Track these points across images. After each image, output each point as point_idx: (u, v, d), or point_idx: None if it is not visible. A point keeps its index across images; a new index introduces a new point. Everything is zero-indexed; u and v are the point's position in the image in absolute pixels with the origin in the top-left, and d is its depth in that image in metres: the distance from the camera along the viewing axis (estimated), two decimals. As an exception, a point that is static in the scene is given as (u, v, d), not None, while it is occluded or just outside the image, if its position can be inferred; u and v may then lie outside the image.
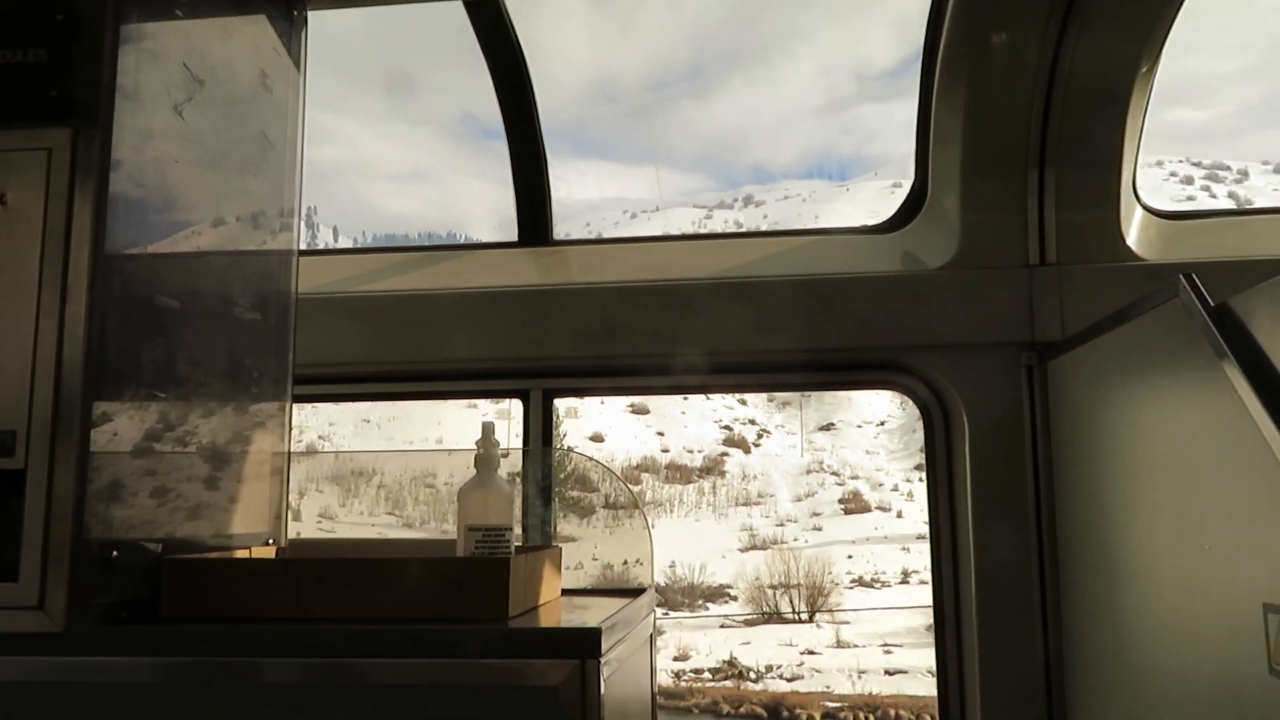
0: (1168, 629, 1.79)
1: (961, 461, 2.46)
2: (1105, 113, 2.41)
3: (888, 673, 23.23)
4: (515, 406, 2.75)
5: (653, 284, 2.63)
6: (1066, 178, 2.46)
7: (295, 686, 1.37)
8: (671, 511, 39.83)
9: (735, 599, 30.51)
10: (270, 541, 1.87)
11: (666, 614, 29.03)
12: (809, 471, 42.84)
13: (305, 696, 1.37)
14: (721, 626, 28.33)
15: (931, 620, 2.57)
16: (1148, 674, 1.87)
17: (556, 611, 1.69)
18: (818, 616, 28.34)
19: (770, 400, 48.04)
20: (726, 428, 46.97)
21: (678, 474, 42.77)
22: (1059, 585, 2.33)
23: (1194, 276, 1.66)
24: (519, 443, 2.71)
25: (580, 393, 2.88)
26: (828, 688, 23.34)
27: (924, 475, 2.64)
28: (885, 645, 25.11)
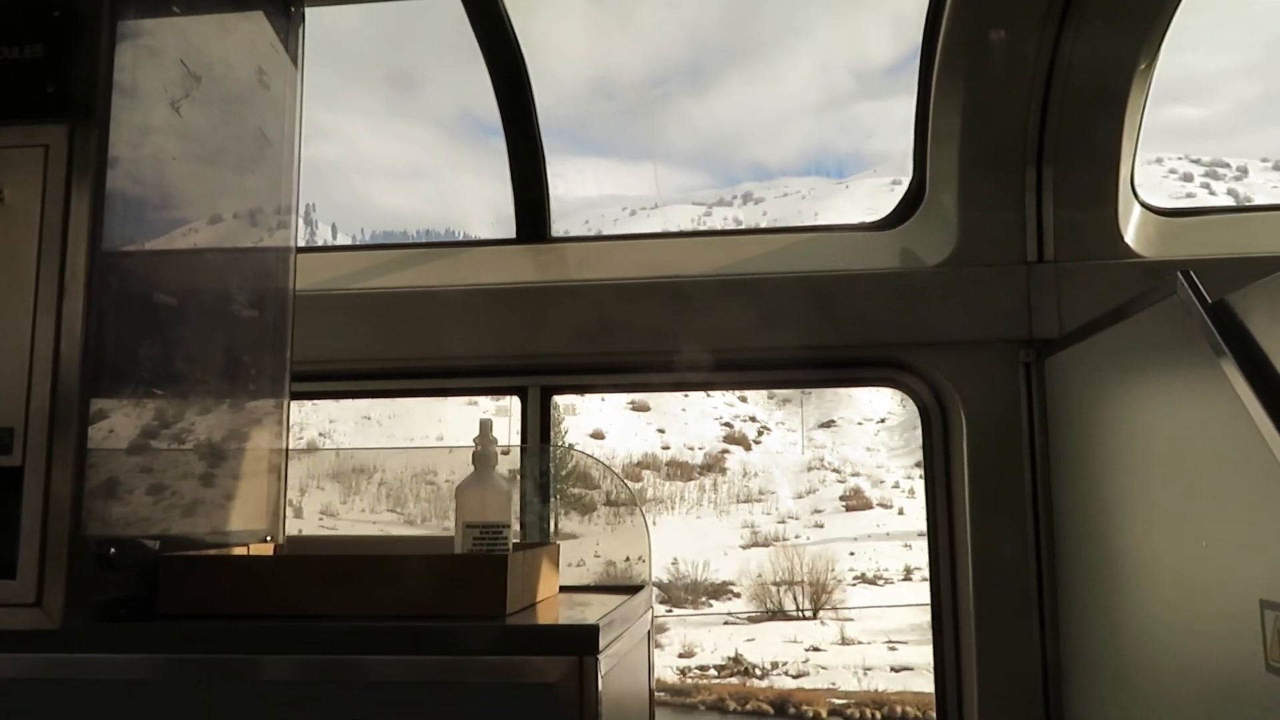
0: (1165, 625, 1.79)
1: (959, 458, 2.47)
2: (1103, 110, 2.41)
3: (893, 670, 23.27)
4: (516, 404, 2.75)
5: (651, 281, 2.63)
6: (1065, 175, 2.46)
7: (293, 684, 1.37)
8: (673, 508, 39.86)
9: (738, 596, 30.54)
10: (268, 539, 1.87)
11: (670, 611, 29.07)
12: (810, 469, 42.89)
13: (303, 694, 1.37)
14: (725, 623, 28.35)
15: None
16: (1145, 670, 1.87)
17: (554, 608, 1.69)
18: (821, 613, 28.38)
19: (770, 397, 48.07)
20: (727, 425, 47.00)
21: (679, 471, 42.81)
22: (1056, 581, 2.34)
23: (1191, 274, 1.66)
24: (520, 440, 2.71)
25: (578, 390, 2.88)
26: (833, 684, 23.38)
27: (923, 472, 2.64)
28: (890, 642, 25.15)
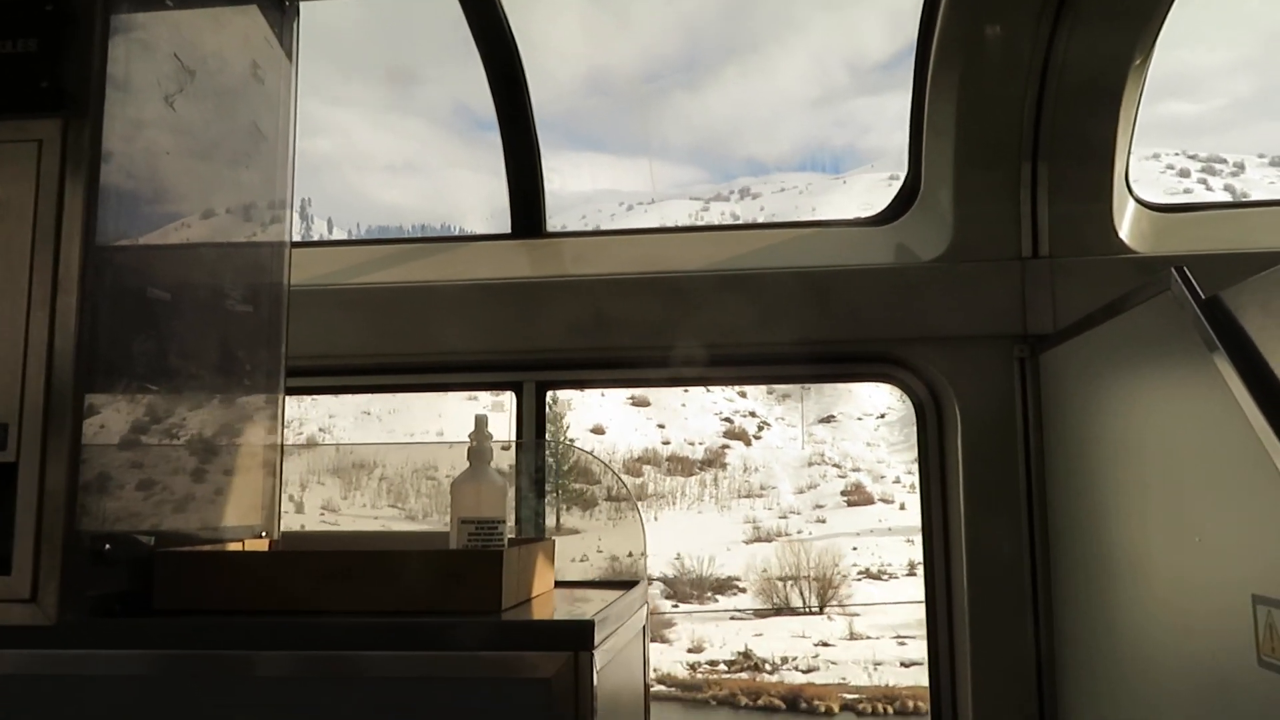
0: (1158, 620, 1.80)
1: (954, 453, 2.47)
2: (1098, 106, 2.41)
3: (903, 665, 23.30)
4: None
5: (646, 276, 2.63)
6: (1059, 171, 2.46)
7: (288, 679, 1.37)
8: (674, 504, 39.89)
9: (744, 591, 30.57)
10: (263, 534, 1.87)
11: (676, 606, 29.10)
12: (810, 464, 42.90)
13: (298, 689, 1.37)
14: (731, 618, 28.39)
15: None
16: (1138, 664, 1.88)
17: (549, 604, 1.69)
18: (828, 609, 28.44)
19: (770, 393, 48.07)
20: (727, 420, 47.00)
21: (679, 466, 42.82)
22: (1050, 576, 2.35)
23: (1185, 270, 1.67)
24: (516, 435, 2.71)
25: (573, 385, 2.88)
26: (844, 679, 23.39)
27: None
28: (899, 637, 25.17)
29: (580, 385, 2.91)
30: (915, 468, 2.66)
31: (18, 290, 1.39)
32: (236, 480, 1.79)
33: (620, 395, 46.25)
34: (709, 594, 30.42)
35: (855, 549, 32.91)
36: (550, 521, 2.56)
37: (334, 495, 2.64)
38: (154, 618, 1.46)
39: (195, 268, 1.71)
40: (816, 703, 21.54)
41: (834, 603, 28.69)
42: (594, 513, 2.47)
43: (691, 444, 44.73)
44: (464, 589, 1.46)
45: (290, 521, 2.33)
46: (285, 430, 1.96)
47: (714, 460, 43.36)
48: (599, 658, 1.38)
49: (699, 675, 23.81)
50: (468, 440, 1.73)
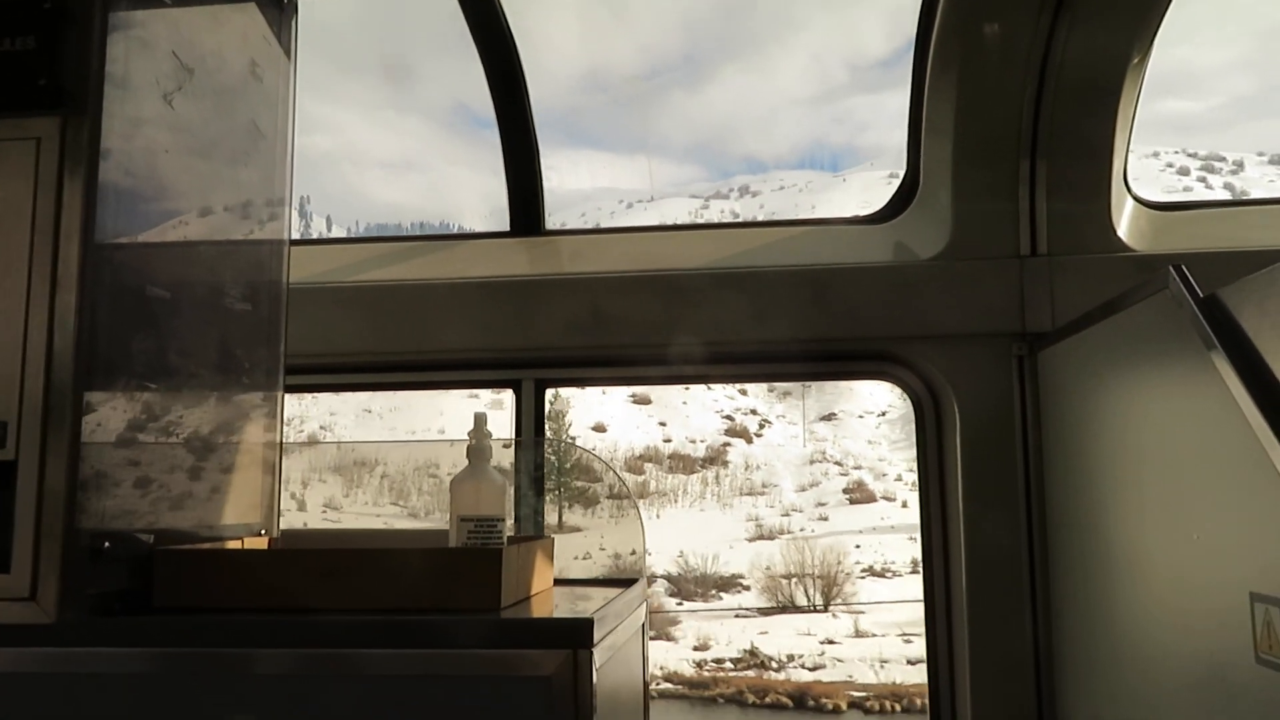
0: (1156, 617, 1.81)
1: (952, 451, 2.47)
2: (1096, 104, 2.41)
3: (910, 662, 23.32)
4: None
5: (645, 274, 2.63)
6: (1058, 168, 2.47)
7: (287, 677, 1.37)
8: (676, 501, 39.90)
9: (747, 589, 30.59)
10: (263, 532, 1.87)
11: (681, 604, 29.12)
12: (812, 461, 42.91)
13: (297, 687, 1.37)
14: (736, 616, 28.41)
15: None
16: (1136, 661, 1.89)
17: (549, 601, 1.69)
18: (832, 606, 28.46)
19: (771, 390, 48.08)
20: (728, 418, 47.00)
21: (680, 464, 42.83)
22: (1048, 574, 2.35)
23: (1183, 268, 1.67)
24: (515, 433, 2.71)
25: (572, 383, 2.88)
26: (850, 677, 23.39)
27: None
28: (904, 634, 25.18)
29: (579, 383, 2.91)
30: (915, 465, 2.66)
31: (16, 289, 1.39)
32: (236, 478, 1.79)
33: (621, 393, 46.24)
34: (713, 591, 30.46)
35: (858, 546, 32.93)
36: (552, 519, 2.57)
37: (336, 493, 2.64)
38: (153, 616, 1.46)
39: (194, 266, 1.71)
40: (824, 700, 21.54)
41: (838, 600, 28.72)
42: (596, 510, 2.48)
43: (693, 442, 44.73)
44: (463, 587, 1.46)
45: (293, 519, 2.34)
46: (286, 428, 1.97)
47: (715, 458, 43.38)
48: (598, 655, 1.38)
49: (705, 673, 23.82)
50: (467, 438, 1.73)
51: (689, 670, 23.94)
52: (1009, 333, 2.46)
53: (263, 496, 1.88)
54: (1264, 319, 1.50)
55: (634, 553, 2.22)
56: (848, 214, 3.48)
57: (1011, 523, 2.39)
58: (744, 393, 48.24)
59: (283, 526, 1.96)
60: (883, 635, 25.40)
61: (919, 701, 20.28)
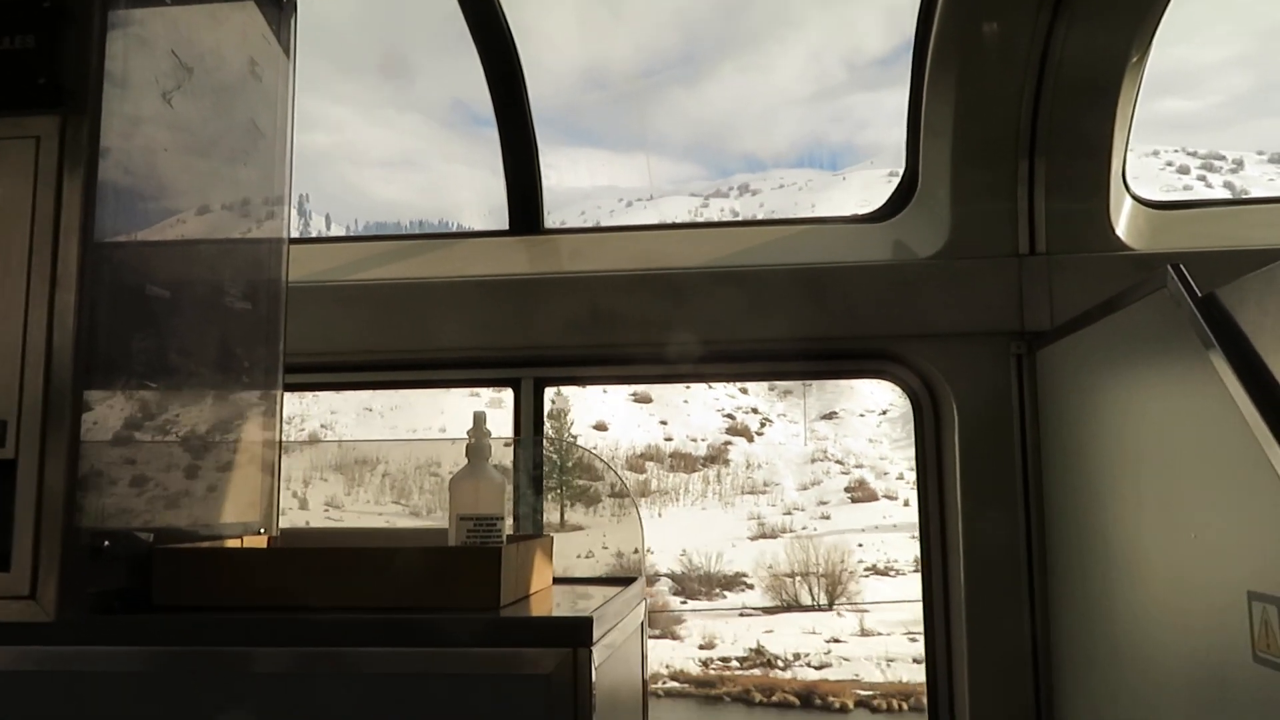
0: (1154, 616, 1.81)
1: (951, 450, 2.48)
2: (1095, 103, 2.42)
3: (916, 661, 23.31)
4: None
5: (644, 273, 2.64)
6: (1056, 167, 2.47)
7: (286, 676, 1.38)
8: (678, 500, 39.90)
9: (751, 587, 30.59)
10: (262, 531, 1.87)
11: (684, 602, 29.13)
12: (813, 460, 42.89)
13: (296, 685, 1.37)
14: (740, 615, 28.41)
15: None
16: (1134, 660, 1.89)
17: (548, 600, 1.70)
18: (837, 605, 28.46)
19: (771, 389, 48.06)
20: (729, 416, 46.98)
21: (682, 463, 42.82)
22: (1047, 572, 2.35)
23: (1181, 267, 1.67)
24: (514, 432, 2.71)
25: (571, 382, 2.89)
26: (857, 676, 23.36)
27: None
28: (910, 633, 25.16)
29: (578, 382, 2.91)
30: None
31: (16, 287, 1.39)
32: (235, 477, 1.79)
33: (622, 392, 46.23)
34: (717, 590, 30.48)
35: (861, 545, 32.91)
36: (555, 518, 2.57)
37: (338, 491, 2.64)
38: (153, 614, 1.46)
39: (193, 264, 1.71)
40: (831, 699, 21.52)
41: (843, 599, 28.71)
42: (597, 509, 2.48)
43: (694, 440, 44.73)
44: (463, 586, 1.46)
45: (295, 518, 2.34)
46: (286, 426, 1.97)
47: (717, 456, 43.37)
48: (597, 654, 1.38)
49: (712, 671, 23.82)
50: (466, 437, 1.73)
51: (695, 669, 23.94)
52: (1007, 331, 2.46)
53: (262, 495, 1.88)
54: (1262, 318, 1.50)
55: (635, 551, 2.23)
56: (848, 212, 3.48)
57: (1010, 521, 2.39)
58: (745, 391, 48.23)
59: (285, 525, 1.96)
60: (888, 634, 25.39)
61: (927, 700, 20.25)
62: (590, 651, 1.35)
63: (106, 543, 1.42)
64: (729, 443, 44.54)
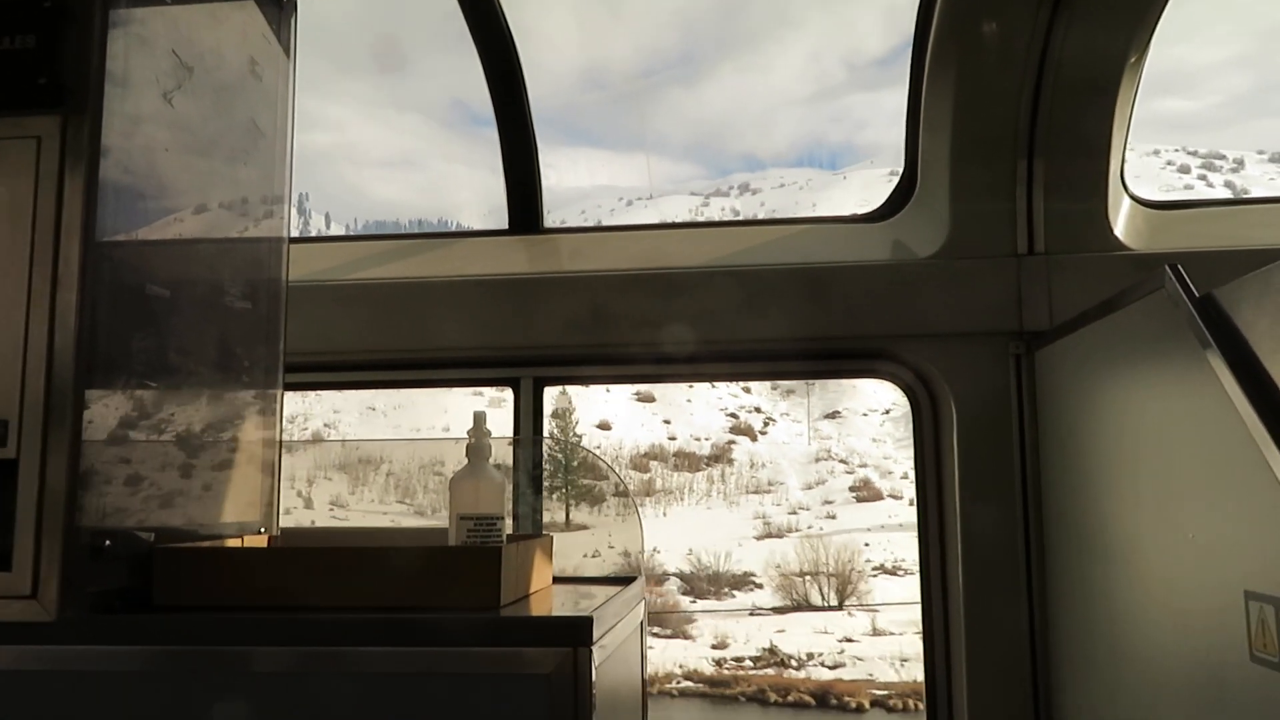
0: (1152, 615, 1.81)
1: (949, 449, 2.48)
2: (1094, 102, 2.42)
3: None
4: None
5: (643, 272, 2.64)
6: (1055, 167, 2.47)
7: (287, 675, 1.38)
8: (683, 500, 39.89)
9: (760, 587, 30.57)
10: (262, 530, 1.88)
11: (694, 601, 29.14)
12: (817, 459, 42.87)
13: (297, 685, 1.37)
14: (751, 614, 28.39)
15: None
16: (1132, 659, 1.89)
17: (547, 600, 1.70)
18: (847, 604, 28.43)
19: (774, 388, 48.05)
20: (732, 415, 46.96)
21: (686, 462, 42.80)
22: (1045, 572, 2.36)
23: (1179, 267, 1.68)
24: (514, 431, 2.72)
25: (571, 381, 2.89)
26: (871, 675, 23.32)
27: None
28: (921, 633, 25.05)
29: (577, 381, 2.92)
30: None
31: (17, 287, 1.39)
32: (235, 476, 1.80)
33: (626, 391, 46.25)
34: (726, 589, 30.47)
35: (867, 545, 32.87)
36: (560, 517, 2.58)
37: (342, 491, 2.65)
38: (154, 613, 1.46)
39: (194, 264, 1.71)
40: (847, 699, 21.48)
41: (853, 598, 28.68)
42: (602, 508, 2.49)
43: (698, 439, 44.72)
44: (463, 585, 1.46)
45: (301, 517, 2.35)
46: (290, 426, 1.97)
47: (720, 456, 43.36)
48: (597, 653, 1.38)
49: (726, 671, 23.80)
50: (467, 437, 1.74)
51: (709, 669, 23.92)
52: (1006, 331, 2.46)
53: (263, 495, 1.89)
54: (1259, 318, 1.51)
55: (640, 551, 2.23)
56: (849, 211, 3.48)
57: (1009, 521, 2.40)
58: (748, 390, 48.22)
59: (290, 524, 1.96)
60: (900, 633, 25.34)
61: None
62: (590, 651, 1.35)
63: (107, 542, 1.42)
64: (733, 442, 44.53)
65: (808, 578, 29.70)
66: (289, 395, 1.97)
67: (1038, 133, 2.44)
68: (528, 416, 2.70)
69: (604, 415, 45.41)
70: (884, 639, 25.46)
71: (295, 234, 2.07)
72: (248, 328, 1.85)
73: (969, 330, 2.48)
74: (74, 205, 1.40)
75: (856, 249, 2.67)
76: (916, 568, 2.60)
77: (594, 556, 2.21)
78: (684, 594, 29.82)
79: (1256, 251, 2.03)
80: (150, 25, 1.58)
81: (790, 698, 21.94)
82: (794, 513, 37.92)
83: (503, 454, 2.58)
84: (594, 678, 1.36)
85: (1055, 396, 2.32)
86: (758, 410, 47.39)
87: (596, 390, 43.06)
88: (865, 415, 46.65)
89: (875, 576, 30.55)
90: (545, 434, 2.72)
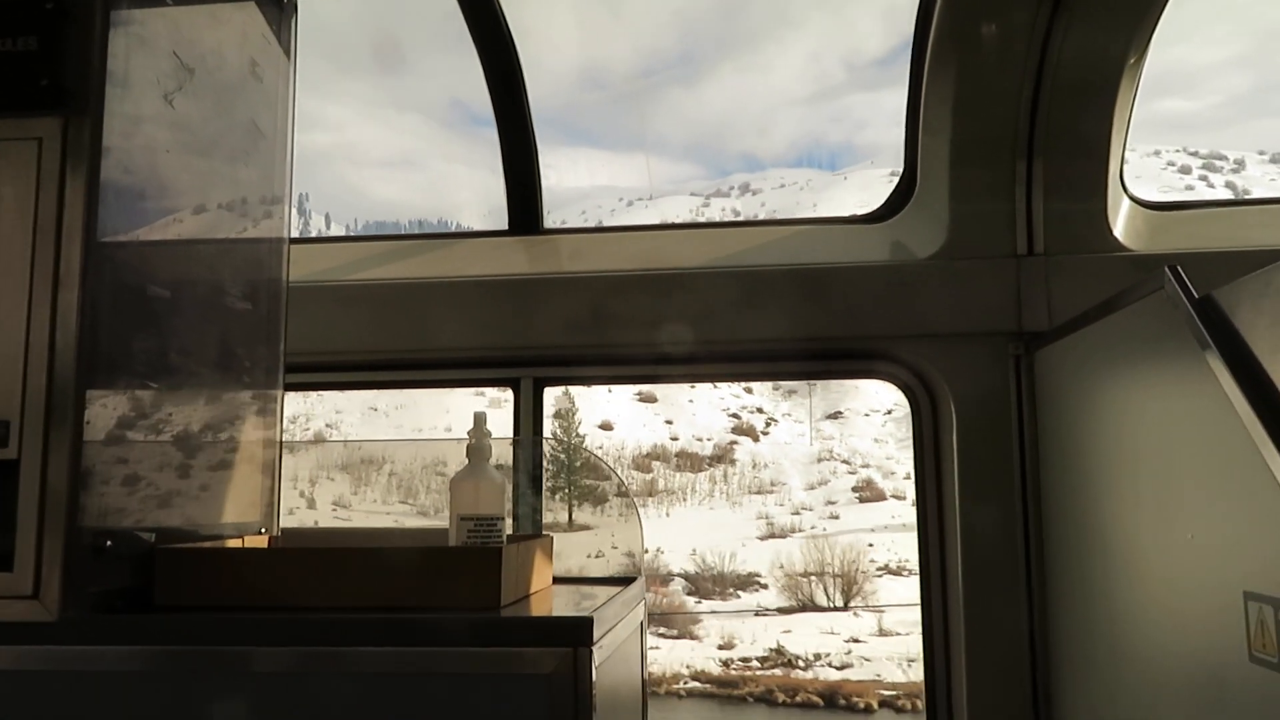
0: (1151, 615, 1.82)
1: (949, 449, 2.48)
2: (1093, 103, 2.42)
3: None
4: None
5: (643, 272, 2.64)
6: (1054, 168, 2.47)
7: (287, 675, 1.38)
8: (685, 500, 39.87)
9: (765, 587, 30.55)
10: (263, 530, 1.88)
11: (699, 602, 29.13)
12: (820, 460, 42.84)
13: (297, 685, 1.38)
14: (756, 614, 28.38)
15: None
16: (1131, 659, 1.89)
17: (548, 600, 1.70)
18: (853, 605, 28.42)
19: (776, 389, 48.02)
20: (734, 416, 46.93)
21: (688, 462, 42.77)
22: (1044, 573, 2.36)
23: (1179, 268, 1.68)
24: (514, 431, 2.72)
25: (571, 381, 2.89)
26: (879, 676, 23.30)
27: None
28: None
29: (577, 381, 2.92)
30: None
31: (19, 288, 1.40)
32: (236, 476, 1.80)
33: (627, 391, 46.24)
34: (731, 590, 30.46)
35: (871, 545, 32.84)
36: (562, 518, 2.58)
37: (345, 491, 2.65)
38: (155, 614, 1.46)
39: (194, 264, 1.71)
40: (855, 699, 21.46)
41: (858, 599, 28.66)
42: (605, 509, 2.49)
43: (700, 440, 44.71)
44: (463, 585, 1.47)
45: (304, 517, 2.35)
46: (293, 426, 1.97)
47: (723, 456, 43.33)
48: (598, 654, 1.39)
49: (733, 672, 23.79)
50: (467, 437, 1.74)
51: (716, 669, 23.91)
52: (1005, 332, 2.46)
53: (263, 495, 1.89)
54: (1258, 319, 1.51)
55: (648, 551, 2.23)
56: (849, 211, 3.48)
57: (1007, 521, 2.40)
58: (749, 391, 48.21)
59: (294, 524, 1.97)
60: (906, 634, 25.30)
61: (951, 700, 20.21)
62: (590, 651, 1.36)
63: (108, 542, 1.42)
64: (735, 442, 44.51)
65: (813, 578, 29.68)
66: (291, 396, 1.97)
67: (1037, 133, 2.45)
68: (528, 417, 2.70)
69: (606, 416, 45.40)
70: (891, 639, 25.45)
71: (295, 234, 2.07)
72: (248, 328, 1.86)
73: (968, 331, 2.48)
74: (75, 206, 1.40)
75: (856, 249, 2.67)
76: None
77: (597, 557, 2.22)
78: (689, 594, 29.81)
79: (1256, 252, 2.03)
80: (151, 26, 1.58)
81: (798, 698, 21.94)
82: (797, 513, 37.90)
83: (504, 454, 2.58)
84: (594, 678, 1.36)
85: (1054, 397, 2.32)
86: (760, 411, 47.36)
87: (599, 391, 43.06)
88: (867, 416, 46.62)
89: (880, 577, 30.54)
90: (548, 434, 2.73)
